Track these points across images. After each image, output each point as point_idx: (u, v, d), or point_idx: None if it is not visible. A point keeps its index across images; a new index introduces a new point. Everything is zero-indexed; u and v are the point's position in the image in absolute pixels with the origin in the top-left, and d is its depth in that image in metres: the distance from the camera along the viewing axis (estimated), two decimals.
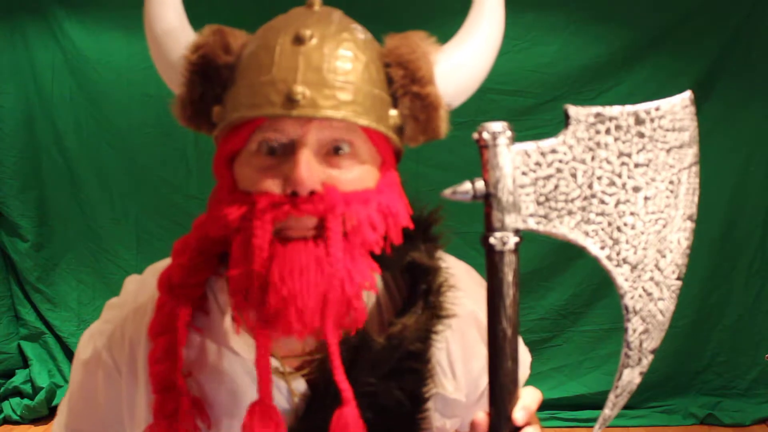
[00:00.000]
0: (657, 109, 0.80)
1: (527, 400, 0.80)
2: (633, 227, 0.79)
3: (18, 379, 3.73)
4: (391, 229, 0.86)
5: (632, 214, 0.79)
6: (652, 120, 0.79)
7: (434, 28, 0.92)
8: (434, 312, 0.95)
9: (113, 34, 3.50)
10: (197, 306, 0.94)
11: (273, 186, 0.81)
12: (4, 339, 3.74)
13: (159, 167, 3.60)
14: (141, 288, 1.02)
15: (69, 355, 3.72)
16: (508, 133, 0.77)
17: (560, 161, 0.78)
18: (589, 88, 3.40)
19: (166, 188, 3.60)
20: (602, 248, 0.79)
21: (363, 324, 0.86)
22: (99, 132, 3.61)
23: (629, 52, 3.38)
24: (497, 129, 0.77)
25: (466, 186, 0.78)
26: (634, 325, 0.81)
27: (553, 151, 0.78)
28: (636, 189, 0.79)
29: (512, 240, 0.77)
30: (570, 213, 0.78)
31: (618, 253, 0.79)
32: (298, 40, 0.82)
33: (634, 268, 0.79)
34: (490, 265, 0.78)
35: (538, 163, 0.77)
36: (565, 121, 0.78)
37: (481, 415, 0.81)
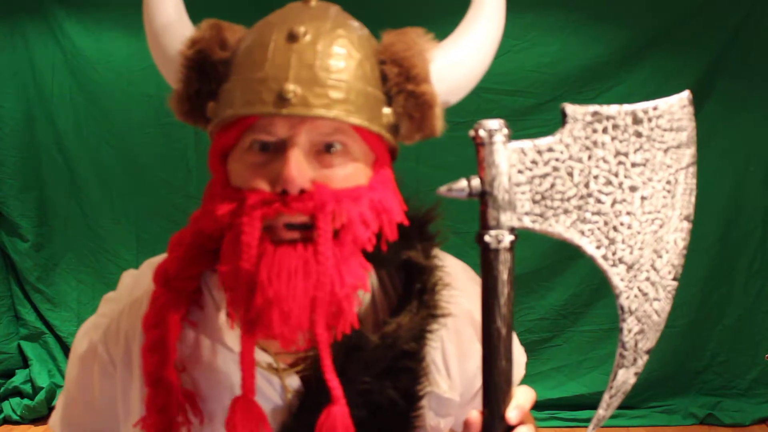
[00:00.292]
0: (655, 108, 0.79)
1: (521, 399, 0.80)
2: (629, 227, 0.79)
3: (18, 379, 3.73)
4: (384, 225, 0.86)
5: (629, 213, 0.79)
6: (649, 119, 0.79)
7: (433, 24, 0.91)
8: (429, 311, 0.95)
9: (113, 34, 3.50)
10: (192, 300, 0.94)
11: (264, 183, 0.81)
12: (4, 339, 3.74)
13: (159, 167, 3.60)
14: (137, 282, 1.02)
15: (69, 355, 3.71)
16: (505, 131, 0.77)
17: (557, 160, 0.77)
18: (589, 88, 3.40)
19: (166, 188, 3.60)
20: (598, 248, 0.78)
21: (356, 324, 0.85)
22: (99, 132, 3.62)
23: (629, 52, 3.38)
24: (494, 126, 0.77)
25: (462, 183, 0.78)
26: (630, 325, 0.80)
27: (550, 150, 0.77)
28: (633, 188, 0.79)
29: (507, 238, 0.77)
30: (566, 212, 0.78)
31: (614, 253, 0.79)
32: (292, 37, 0.82)
33: (630, 268, 0.79)
34: (484, 263, 0.78)
35: (534, 162, 0.77)
36: (562, 119, 0.78)
37: (475, 414, 0.81)
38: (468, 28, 0.92)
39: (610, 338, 3.55)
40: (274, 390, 0.94)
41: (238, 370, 0.89)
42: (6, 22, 3.56)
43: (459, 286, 0.99)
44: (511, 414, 0.79)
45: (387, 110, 0.86)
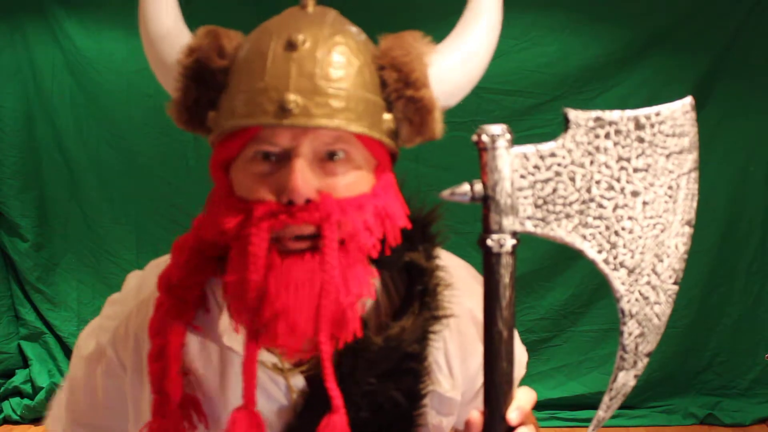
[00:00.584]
0: (657, 114, 0.80)
1: (522, 400, 0.80)
2: (631, 231, 0.79)
3: (18, 379, 3.73)
4: (388, 231, 0.87)
5: (630, 218, 0.79)
6: (652, 125, 0.79)
7: (431, 25, 0.91)
8: (431, 313, 0.95)
9: (113, 34, 3.50)
10: (197, 305, 0.94)
11: (269, 194, 0.81)
12: (4, 339, 3.74)
13: (159, 167, 3.60)
14: (143, 283, 1.02)
15: (69, 355, 3.71)
16: (507, 136, 0.77)
17: (559, 165, 0.77)
18: (589, 88, 3.40)
19: (166, 188, 3.60)
20: (599, 252, 0.79)
21: (359, 333, 0.86)
22: (99, 132, 3.62)
23: (629, 52, 3.38)
24: (496, 132, 0.77)
25: (465, 188, 0.78)
26: (630, 328, 0.81)
27: (552, 155, 0.78)
28: (635, 193, 0.79)
29: (509, 242, 0.77)
30: (568, 216, 0.78)
31: (615, 257, 0.79)
32: (291, 46, 0.82)
33: (631, 272, 0.79)
34: (486, 266, 0.79)
35: (536, 167, 0.77)
36: (564, 124, 0.78)
37: (476, 414, 0.82)
38: (465, 29, 0.92)
39: (610, 338, 3.56)
40: (279, 390, 0.94)
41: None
42: (6, 22, 3.56)
43: (461, 286, 1.00)
44: (512, 415, 0.79)
45: (387, 116, 0.86)
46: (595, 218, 0.78)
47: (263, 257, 0.80)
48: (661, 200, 0.80)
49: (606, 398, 0.84)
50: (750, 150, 3.45)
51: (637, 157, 0.79)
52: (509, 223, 0.77)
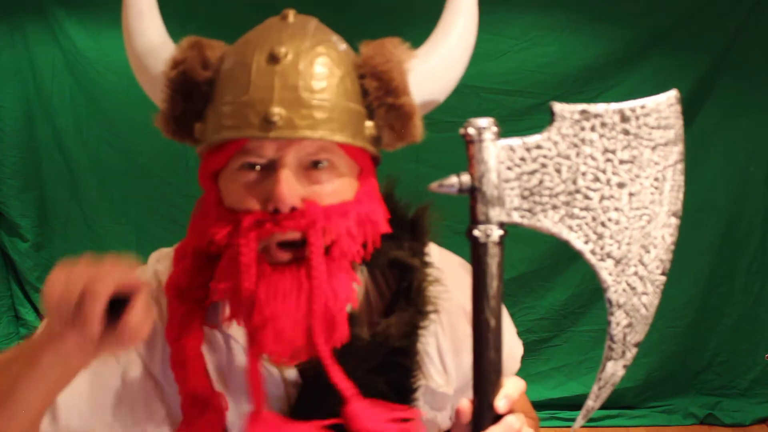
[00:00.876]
0: (642, 107, 0.80)
1: (510, 389, 0.81)
2: (617, 222, 0.79)
3: None
4: (369, 236, 0.90)
5: (616, 209, 0.79)
6: (637, 117, 0.80)
7: (410, 26, 0.92)
8: (417, 308, 0.97)
9: (113, 34, 3.50)
10: (208, 305, 0.96)
11: (256, 203, 0.84)
12: (4, 339, 3.75)
13: (159, 167, 3.61)
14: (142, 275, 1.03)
15: None
16: (494, 129, 0.78)
17: (545, 156, 0.78)
18: (589, 88, 3.40)
19: (166, 188, 3.61)
20: (586, 243, 0.79)
21: (346, 337, 0.88)
22: (99, 132, 3.63)
23: (629, 52, 3.38)
24: (483, 124, 0.78)
25: (452, 179, 0.79)
26: (618, 318, 0.81)
27: (538, 147, 0.78)
28: (620, 185, 0.79)
29: (496, 233, 0.78)
30: (554, 207, 0.78)
31: (602, 248, 0.79)
32: (273, 59, 0.84)
33: (618, 262, 0.80)
34: (474, 257, 0.79)
35: (523, 158, 0.78)
36: (550, 117, 0.79)
37: (465, 403, 0.82)
38: (442, 33, 0.95)
39: None
40: (274, 381, 0.96)
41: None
42: (6, 22, 3.57)
43: (454, 283, 1.01)
44: (500, 403, 0.80)
45: (369, 123, 0.89)
46: (581, 209, 0.79)
47: (254, 266, 0.83)
48: (647, 192, 0.80)
49: (595, 388, 0.86)
50: (750, 150, 3.44)
51: (623, 149, 0.79)
52: (496, 214, 0.78)
